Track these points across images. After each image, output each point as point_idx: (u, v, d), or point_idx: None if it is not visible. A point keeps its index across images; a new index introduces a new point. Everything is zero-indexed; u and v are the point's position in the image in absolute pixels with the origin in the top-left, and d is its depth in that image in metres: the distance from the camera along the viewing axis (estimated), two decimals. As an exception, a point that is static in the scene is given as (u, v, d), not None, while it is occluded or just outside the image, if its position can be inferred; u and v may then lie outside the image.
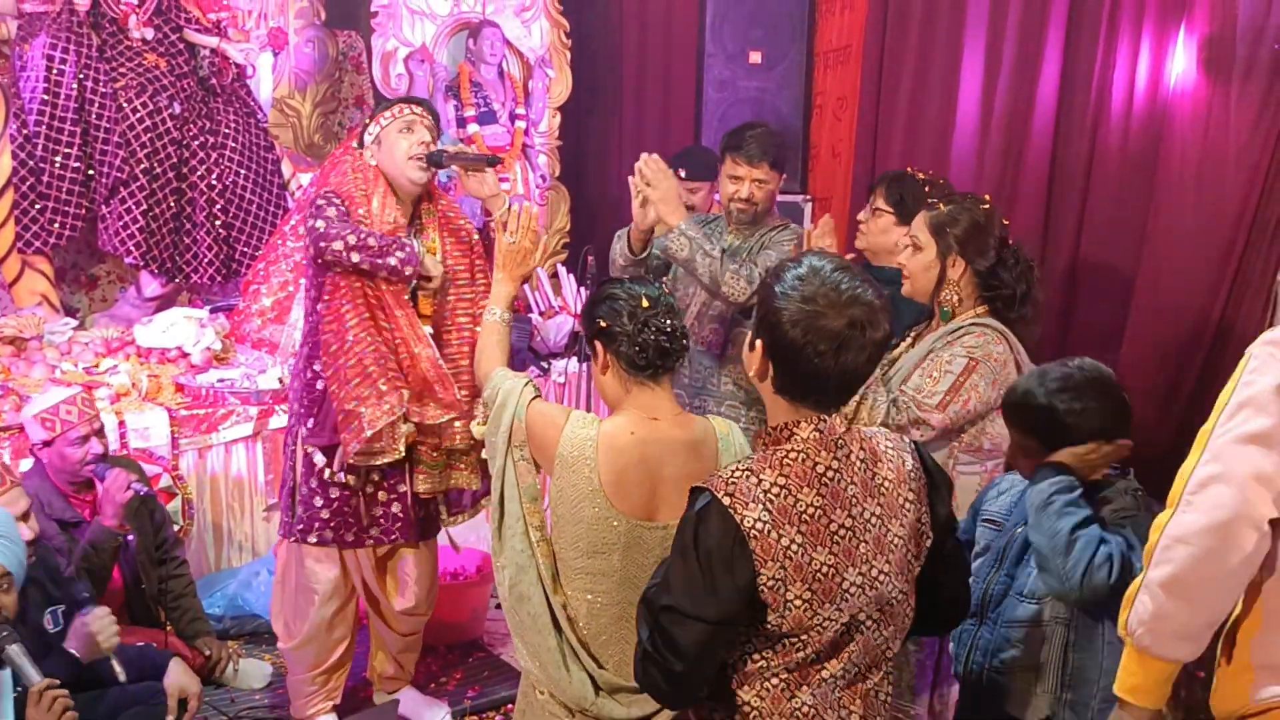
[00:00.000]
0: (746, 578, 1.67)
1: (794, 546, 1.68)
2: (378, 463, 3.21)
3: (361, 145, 3.27)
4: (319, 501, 3.28)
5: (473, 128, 5.89)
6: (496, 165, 3.21)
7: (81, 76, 4.70)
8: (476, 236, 3.42)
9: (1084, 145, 4.83)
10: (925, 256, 2.76)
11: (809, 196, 5.69)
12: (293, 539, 3.35)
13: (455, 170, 3.35)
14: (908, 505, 1.80)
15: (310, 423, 3.27)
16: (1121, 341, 4.79)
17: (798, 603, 1.69)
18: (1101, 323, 4.87)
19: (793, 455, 1.72)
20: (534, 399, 2.38)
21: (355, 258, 3.03)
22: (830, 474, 1.72)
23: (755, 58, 5.65)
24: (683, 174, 3.98)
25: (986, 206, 2.74)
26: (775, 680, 1.75)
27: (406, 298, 3.19)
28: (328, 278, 3.13)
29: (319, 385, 3.23)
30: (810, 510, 1.70)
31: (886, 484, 1.77)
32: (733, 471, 1.72)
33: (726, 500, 1.68)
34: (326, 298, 3.14)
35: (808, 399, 1.75)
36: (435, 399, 3.19)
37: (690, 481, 1.91)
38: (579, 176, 6.59)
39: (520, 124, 6.09)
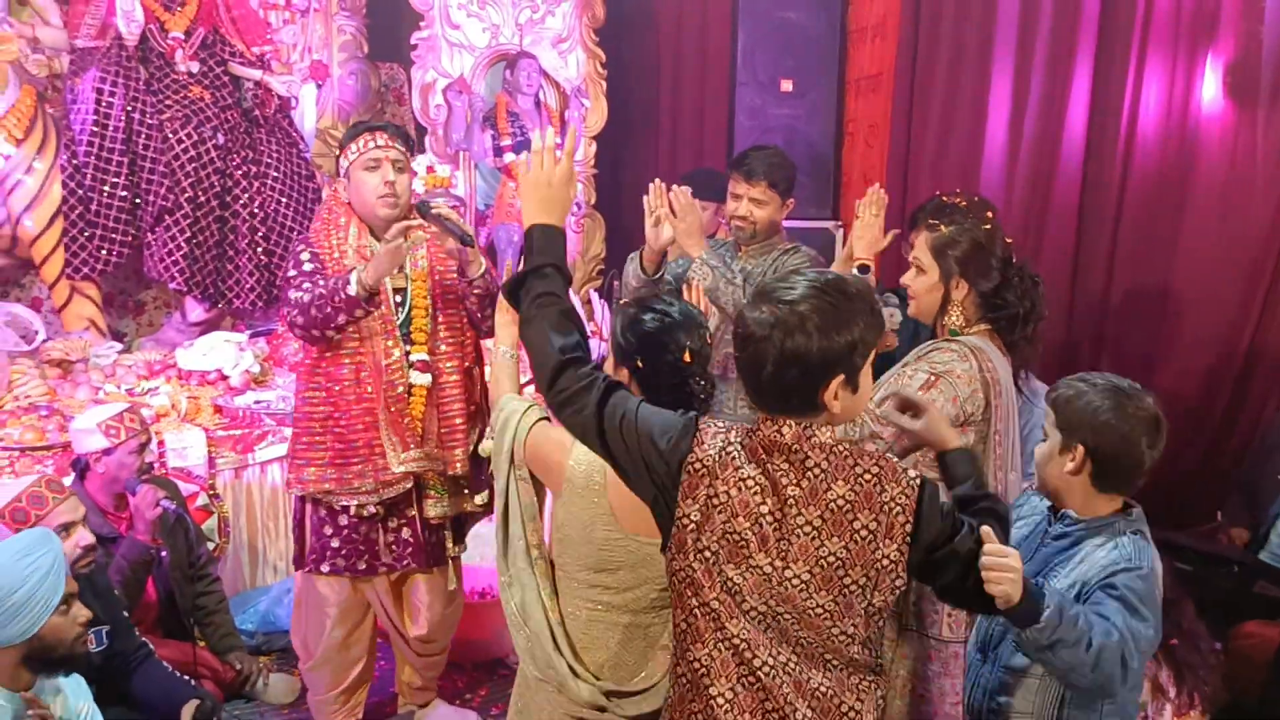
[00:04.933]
0: (667, 501, 1.85)
1: (715, 499, 1.81)
2: (373, 500, 3.25)
3: (337, 175, 3.30)
4: (329, 530, 3.30)
5: (509, 157, 5.98)
6: (470, 245, 3.19)
7: (129, 109, 4.90)
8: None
9: (1114, 172, 4.85)
10: (928, 279, 2.74)
11: (840, 222, 5.75)
12: (306, 569, 3.36)
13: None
14: (863, 533, 1.80)
15: (301, 469, 3.27)
16: (1155, 366, 4.79)
17: (708, 554, 1.82)
18: (1135, 347, 4.86)
19: (764, 426, 1.84)
20: (537, 422, 2.43)
21: (316, 333, 3.10)
22: (771, 467, 1.81)
23: (787, 85, 5.73)
24: (689, 192, 4.05)
25: (988, 226, 2.71)
26: (723, 646, 1.85)
27: (398, 329, 3.22)
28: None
29: (303, 427, 3.28)
30: (747, 480, 1.81)
31: (839, 502, 1.80)
32: (717, 423, 1.89)
33: (701, 429, 1.86)
34: (314, 349, 3.21)
35: (750, 397, 1.86)
36: (427, 445, 3.27)
37: None
38: (615, 204, 6.68)
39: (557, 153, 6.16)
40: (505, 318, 2.79)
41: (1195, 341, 4.64)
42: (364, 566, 3.34)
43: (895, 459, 1.89)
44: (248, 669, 3.90)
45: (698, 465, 1.83)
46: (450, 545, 3.48)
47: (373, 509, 3.24)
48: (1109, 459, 2.17)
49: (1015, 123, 5.15)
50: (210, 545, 4.22)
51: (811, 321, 1.76)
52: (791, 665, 1.84)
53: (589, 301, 6.07)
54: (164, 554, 3.68)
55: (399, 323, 3.23)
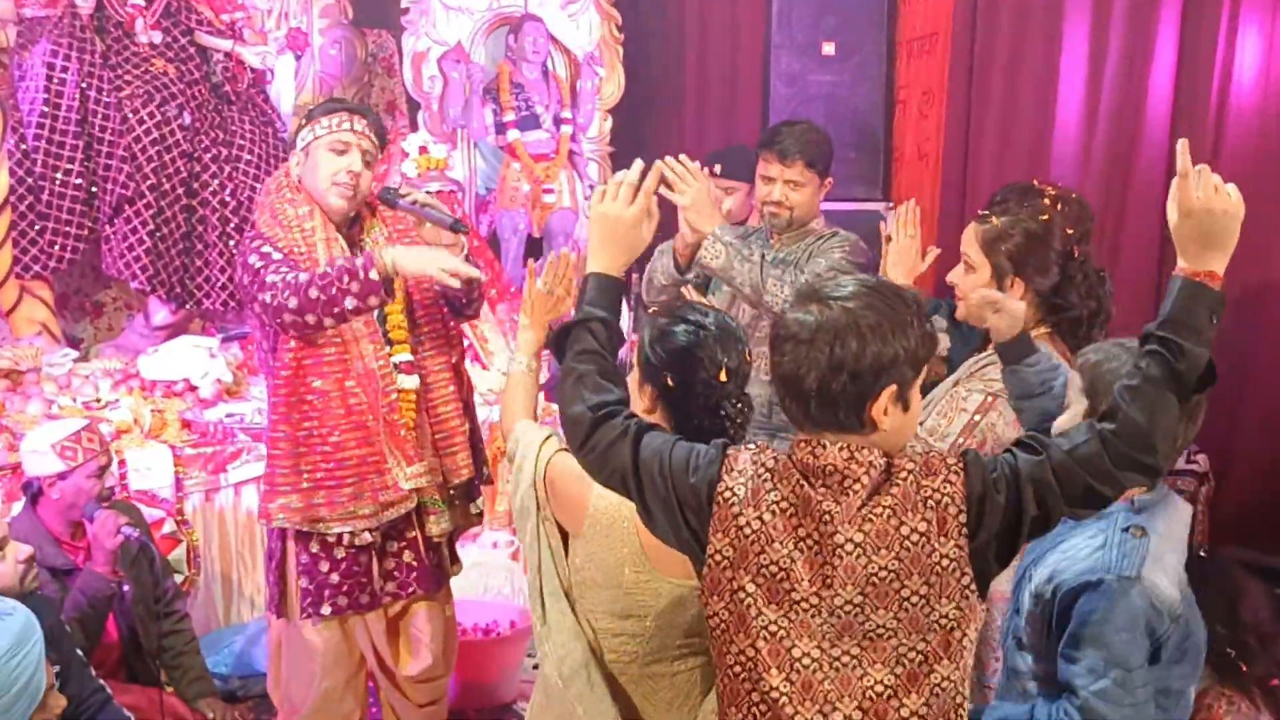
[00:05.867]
0: (699, 542, 1.90)
1: (746, 530, 1.85)
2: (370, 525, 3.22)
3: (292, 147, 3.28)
4: (324, 566, 3.25)
5: (513, 134, 6.00)
6: (463, 232, 3.18)
7: (84, 85, 4.91)
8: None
9: (1205, 142, 4.82)
10: (978, 278, 2.77)
11: (890, 204, 5.71)
12: (304, 615, 3.30)
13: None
14: (914, 538, 1.81)
15: (282, 496, 3.22)
16: (1255, 363, 4.76)
17: (743, 595, 1.85)
18: (1232, 343, 4.79)
19: (796, 449, 1.87)
20: (555, 454, 2.42)
21: (312, 320, 3.02)
22: (805, 487, 1.84)
23: (828, 49, 5.70)
24: (717, 171, 4.03)
25: (1045, 217, 2.74)
26: (759, 709, 1.86)
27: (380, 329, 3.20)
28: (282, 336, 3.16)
29: (281, 448, 3.22)
30: (781, 503, 1.84)
31: (881, 512, 1.81)
32: (748, 448, 1.95)
33: (729, 456, 1.92)
34: (289, 357, 3.15)
35: (787, 410, 1.90)
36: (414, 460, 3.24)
37: None
38: (634, 188, 6.68)
39: (566, 129, 6.17)
40: (526, 320, 2.83)
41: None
42: (367, 600, 3.32)
43: (936, 448, 1.91)
44: (221, 717, 3.90)
45: (728, 494, 1.87)
46: (449, 564, 3.49)
47: (369, 535, 3.23)
48: None
49: (1091, 87, 5.15)
50: (178, 577, 4.23)
51: (865, 321, 1.79)
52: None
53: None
54: (126, 588, 3.67)
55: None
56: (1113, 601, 2.12)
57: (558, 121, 6.18)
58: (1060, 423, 2.35)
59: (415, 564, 3.36)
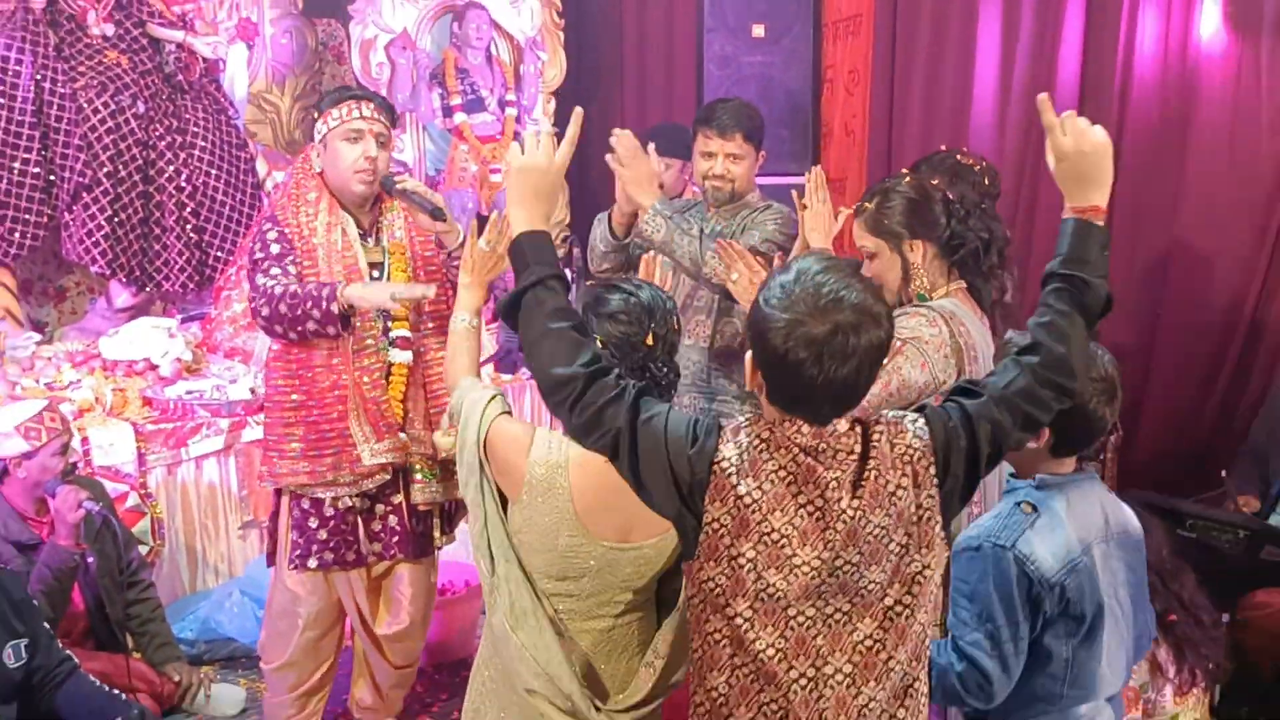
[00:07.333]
0: (694, 511, 1.88)
1: (745, 499, 1.85)
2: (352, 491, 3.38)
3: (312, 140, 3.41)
4: (314, 523, 3.40)
5: (459, 117, 6.12)
6: (441, 220, 3.27)
7: (39, 77, 4.99)
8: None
9: (1111, 115, 4.92)
10: (884, 258, 2.90)
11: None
12: (292, 566, 3.44)
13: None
14: (899, 492, 1.88)
15: (273, 460, 3.39)
16: (1159, 323, 4.93)
17: (742, 561, 1.86)
18: (1136, 307, 4.96)
19: (781, 426, 1.89)
20: (497, 418, 2.43)
21: (279, 330, 3.20)
22: (802, 459, 1.87)
23: (758, 30, 5.77)
24: (654, 149, 4.16)
25: (909, 179, 2.90)
26: (744, 671, 1.91)
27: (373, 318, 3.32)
28: None
29: (274, 416, 3.41)
30: (780, 472, 1.86)
31: (871, 475, 1.87)
32: (735, 421, 1.94)
33: (724, 427, 1.92)
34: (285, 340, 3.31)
35: (797, 410, 1.87)
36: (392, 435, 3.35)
37: None
38: (579, 165, 6.60)
39: (511, 111, 6.30)
40: (468, 279, 2.82)
41: (1200, 298, 4.78)
42: (353, 558, 3.46)
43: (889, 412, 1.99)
44: (187, 681, 4.02)
45: (725, 464, 1.87)
46: (437, 535, 3.58)
47: (350, 501, 3.38)
48: (1071, 431, 2.31)
49: (1005, 64, 5.28)
50: (143, 549, 4.32)
51: (866, 305, 1.80)
52: (838, 679, 1.90)
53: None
54: (90, 559, 3.76)
55: None
56: (986, 565, 2.29)
57: (502, 104, 6.30)
58: None
59: (399, 529, 3.49)
